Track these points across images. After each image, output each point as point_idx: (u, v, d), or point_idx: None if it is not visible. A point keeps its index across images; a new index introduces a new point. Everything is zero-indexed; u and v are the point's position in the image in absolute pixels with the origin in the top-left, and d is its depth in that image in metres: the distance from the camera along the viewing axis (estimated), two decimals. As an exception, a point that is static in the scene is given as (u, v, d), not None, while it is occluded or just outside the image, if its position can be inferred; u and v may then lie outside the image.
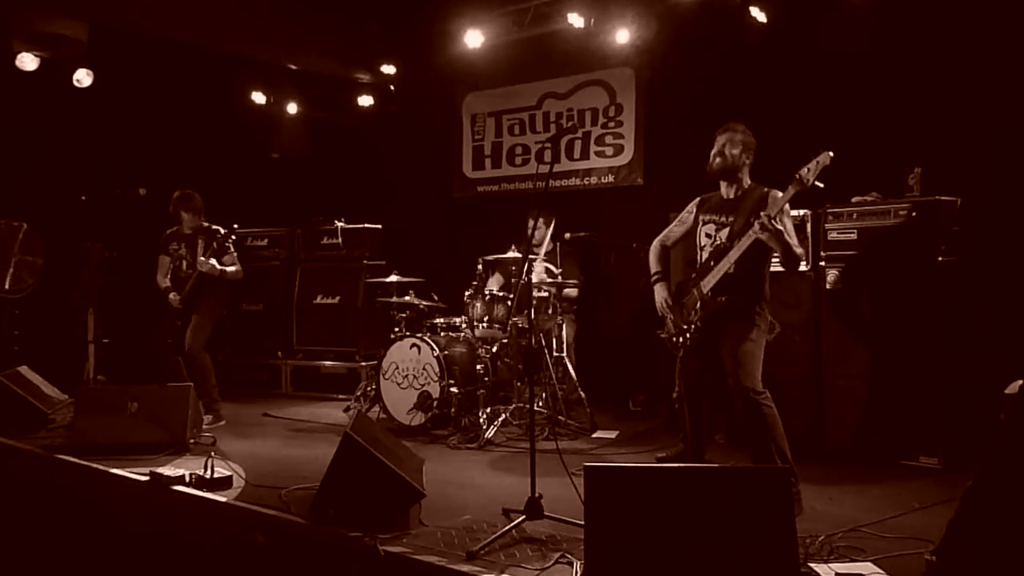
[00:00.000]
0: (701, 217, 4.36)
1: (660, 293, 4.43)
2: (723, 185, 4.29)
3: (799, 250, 4.05)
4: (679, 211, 4.51)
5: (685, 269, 4.64)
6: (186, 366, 6.07)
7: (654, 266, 4.53)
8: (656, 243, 4.58)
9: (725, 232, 4.17)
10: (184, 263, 6.22)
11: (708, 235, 4.27)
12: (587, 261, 6.75)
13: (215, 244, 6.07)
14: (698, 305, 4.18)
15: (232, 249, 6.25)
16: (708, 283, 4.13)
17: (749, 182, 4.25)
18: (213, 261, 6.05)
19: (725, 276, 4.07)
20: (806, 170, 3.81)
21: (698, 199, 4.48)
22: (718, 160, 4.21)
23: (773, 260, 4.19)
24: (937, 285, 4.57)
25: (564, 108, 7.44)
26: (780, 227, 3.89)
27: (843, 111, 5.53)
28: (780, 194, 4.03)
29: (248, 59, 7.72)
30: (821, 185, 3.82)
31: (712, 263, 4.15)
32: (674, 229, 4.53)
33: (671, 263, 4.61)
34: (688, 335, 4.23)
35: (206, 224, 6.27)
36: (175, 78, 7.78)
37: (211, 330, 6.25)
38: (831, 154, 3.79)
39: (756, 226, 3.89)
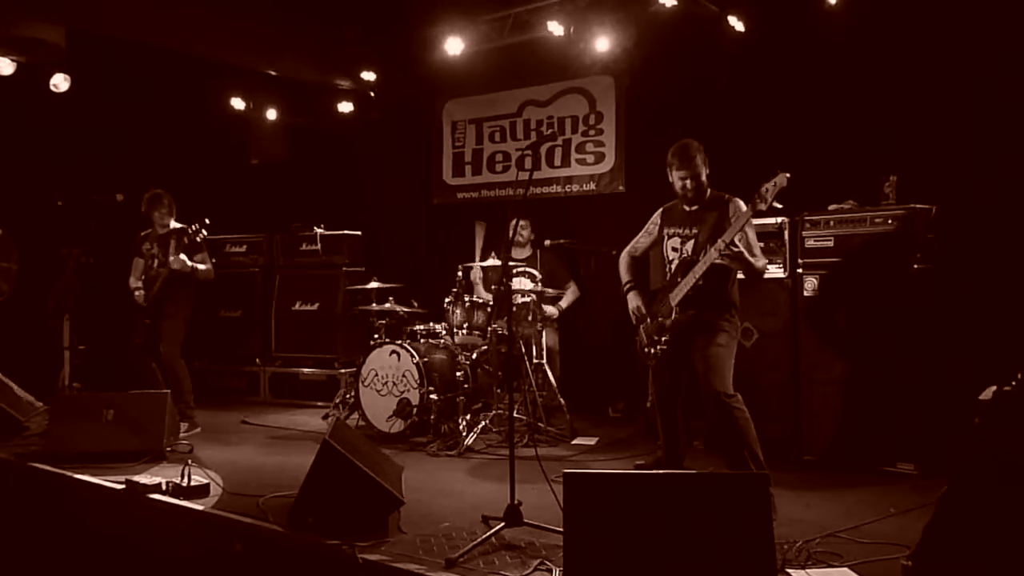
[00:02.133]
0: (666, 230, 4.46)
1: (632, 302, 4.52)
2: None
3: (760, 264, 4.15)
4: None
5: (662, 278, 4.69)
6: (161, 372, 6.03)
7: (624, 276, 4.64)
8: (624, 254, 4.70)
9: (690, 244, 4.27)
10: (156, 261, 6.18)
11: (674, 248, 4.37)
12: (568, 267, 6.76)
13: (185, 240, 6.03)
14: (668, 318, 4.26)
15: (204, 246, 6.22)
16: (676, 296, 4.22)
17: (709, 191, 4.33)
18: (183, 257, 6.01)
19: (692, 289, 4.15)
20: (764, 190, 3.85)
21: (661, 210, 4.57)
22: (692, 186, 4.25)
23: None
24: (912, 292, 4.62)
25: (544, 116, 7.46)
26: (738, 250, 3.98)
27: (820, 119, 5.59)
28: (742, 204, 4.12)
29: (227, 64, 7.67)
30: (779, 206, 3.87)
31: (679, 277, 4.23)
32: (640, 240, 4.66)
33: (651, 268, 4.66)
34: (659, 346, 4.31)
35: (178, 225, 6.24)
36: (153, 83, 7.73)
37: (184, 332, 6.21)
38: (788, 175, 3.82)
39: (713, 252, 4.00)
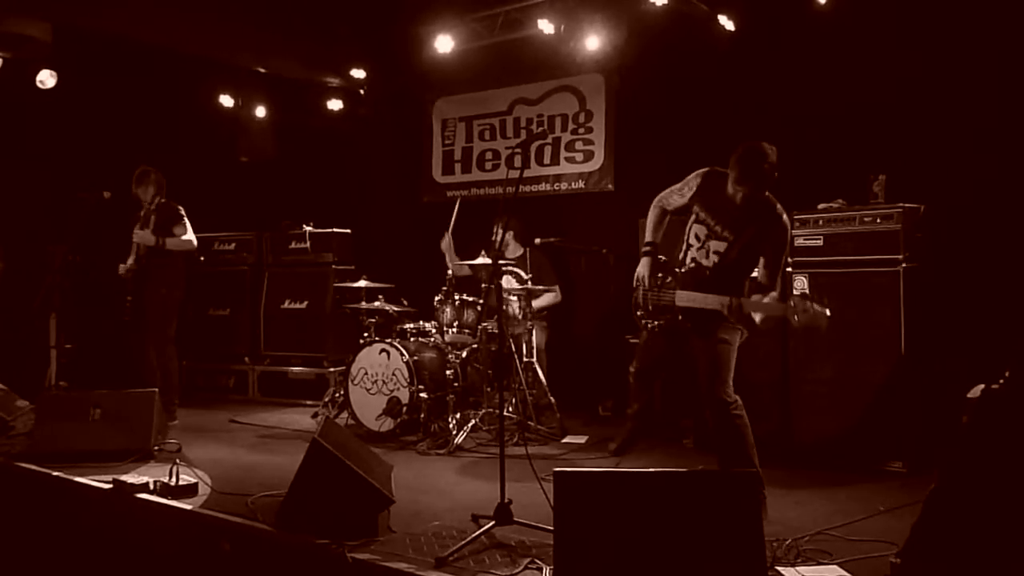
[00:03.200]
0: (696, 208, 4.02)
1: (643, 268, 4.13)
2: (733, 182, 3.84)
3: (761, 320, 3.81)
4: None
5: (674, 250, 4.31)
6: (151, 365, 6.01)
7: (649, 233, 4.20)
8: (657, 205, 4.22)
9: (718, 245, 3.93)
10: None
11: (698, 236, 4.01)
12: (556, 267, 6.76)
13: (149, 211, 6.06)
14: (667, 309, 4.06)
15: (178, 219, 6.20)
16: (682, 300, 3.97)
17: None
18: (146, 232, 6.02)
19: (697, 308, 3.92)
20: (794, 306, 3.58)
21: (705, 174, 4.04)
22: (740, 198, 3.84)
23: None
24: (901, 290, 4.64)
25: (534, 114, 7.46)
26: (748, 310, 3.76)
27: (810, 118, 5.60)
28: (784, 228, 3.82)
29: (216, 61, 7.64)
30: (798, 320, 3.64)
31: (692, 286, 3.95)
32: (674, 197, 4.15)
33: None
34: (653, 322, 4.12)
35: (164, 201, 6.24)
36: (141, 80, 7.68)
37: (174, 318, 6.21)
38: (828, 314, 3.59)
39: (722, 303, 3.76)
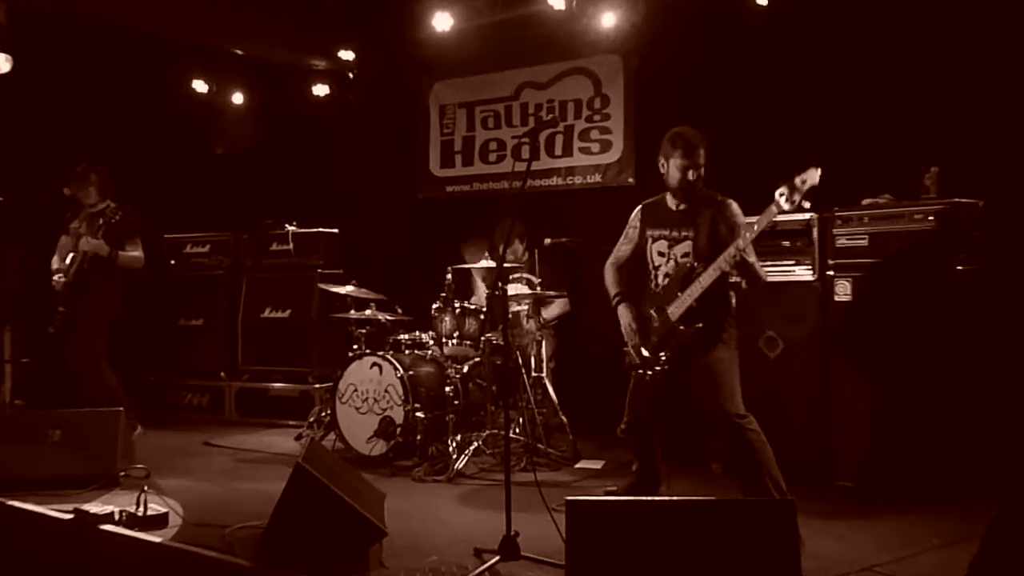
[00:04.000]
0: (649, 232, 4.44)
1: (625, 316, 4.47)
2: (669, 194, 4.37)
3: (764, 276, 4.16)
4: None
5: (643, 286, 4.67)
6: (82, 384, 6.01)
7: (612, 288, 4.62)
8: (609, 266, 4.69)
9: (682, 248, 4.26)
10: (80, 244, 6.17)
11: (661, 253, 4.36)
12: (568, 271, 6.76)
13: (101, 221, 6.03)
14: (667, 335, 4.22)
15: (134, 230, 6.20)
16: (676, 311, 4.19)
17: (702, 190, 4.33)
18: (99, 240, 6.00)
19: (696, 301, 4.12)
20: (785, 190, 3.79)
21: (640, 208, 4.58)
22: (694, 178, 4.25)
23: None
24: (957, 296, 4.63)
25: (544, 99, 7.48)
26: (752, 260, 4.02)
27: (852, 103, 5.60)
28: (735, 206, 4.20)
29: (187, 43, 7.68)
30: (808, 206, 3.82)
31: (677, 290, 4.20)
32: (623, 247, 4.65)
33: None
34: (660, 367, 4.27)
35: (112, 204, 6.22)
36: (104, 64, 7.74)
37: (104, 334, 6.19)
38: (819, 171, 3.77)
39: (723, 262, 3.97)
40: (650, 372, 4.31)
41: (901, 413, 4.75)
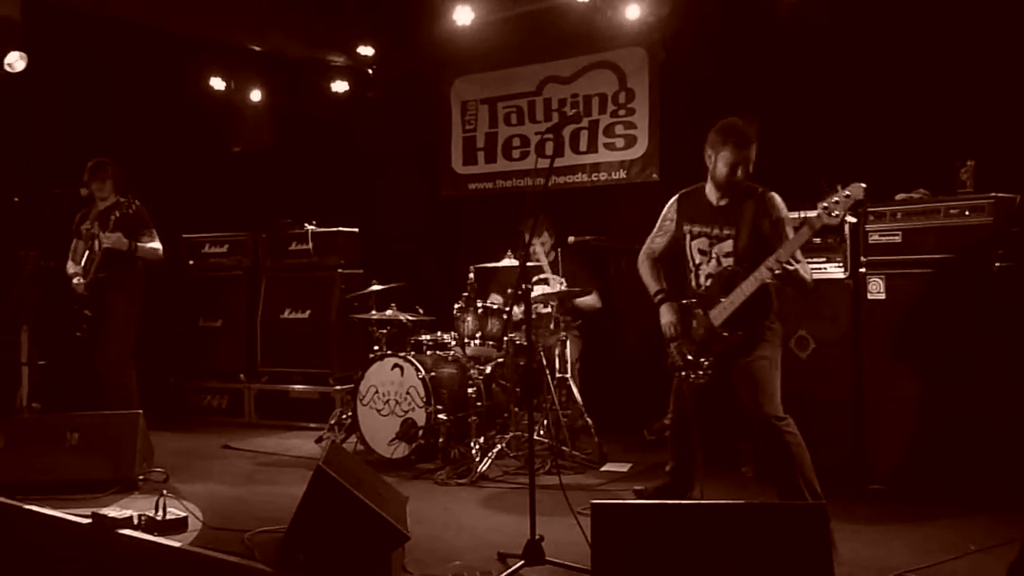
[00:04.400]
0: (687, 227, 4.38)
1: (668, 315, 4.43)
2: (711, 186, 4.29)
3: (811, 277, 4.08)
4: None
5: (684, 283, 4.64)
6: (108, 388, 6.04)
7: (653, 285, 4.57)
8: (643, 258, 4.64)
9: (724, 247, 4.21)
10: (96, 242, 6.18)
11: (702, 251, 4.31)
12: (595, 268, 6.76)
13: (117, 213, 6.03)
14: (709, 340, 4.20)
15: (148, 221, 6.21)
16: (719, 316, 4.15)
17: None
18: (119, 234, 6.01)
19: (738, 307, 4.08)
20: (826, 206, 3.73)
21: (676, 200, 4.50)
22: (743, 174, 4.15)
23: None
24: (995, 294, 4.59)
25: (568, 94, 7.47)
26: (794, 268, 3.94)
27: (886, 97, 5.56)
28: (778, 199, 4.13)
29: (204, 40, 7.73)
30: (853, 220, 3.79)
31: (719, 294, 4.16)
32: (656, 239, 4.59)
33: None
34: (703, 372, 4.24)
35: (123, 199, 6.23)
36: (121, 62, 7.79)
37: (133, 335, 6.22)
38: (864, 185, 3.70)
39: (765, 271, 3.93)
40: (692, 376, 4.28)
41: (936, 414, 4.71)
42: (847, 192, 3.72)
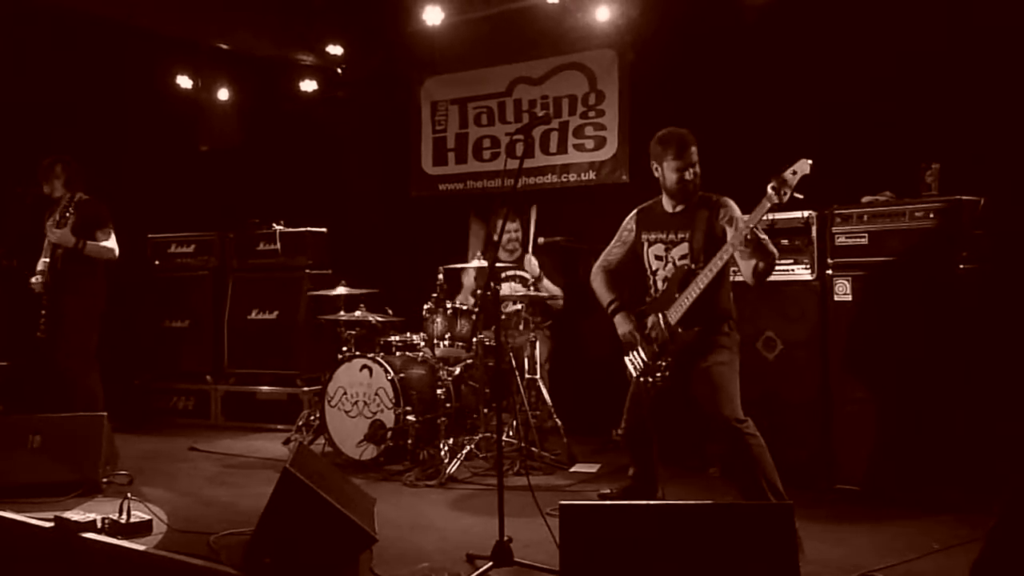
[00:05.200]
0: (644, 236, 4.46)
1: (624, 325, 4.47)
2: (666, 197, 4.40)
3: (775, 249, 4.11)
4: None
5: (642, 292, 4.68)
6: (65, 388, 5.97)
7: (606, 296, 4.61)
8: (597, 270, 4.70)
9: (680, 250, 4.28)
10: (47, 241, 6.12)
11: (658, 256, 4.37)
12: (564, 270, 6.78)
13: (78, 206, 5.98)
14: (667, 339, 4.24)
15: (103, 219, 6.14)
16: (675, 314, 4.19)
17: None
18: (66, 230, 5.94)
19: (694, 302, 4.13)
20: (776, 183, 3.78)
21: (635, 212, 4.58)
22: (691, 178, 4.26)
23: (732, 269, 4.30)
24: (958, 295, 4.65)
25: (538, 95, 7.49)
26: (764, 238, 3.98)
27: (852, 99, 5.61)
28: (732, 203, 4.19)
29: (172, 37, 7.67)
30: (800, 197, 3.83)
31: (676, 292, 4.21)
32: (614, 250, 4.65)
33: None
34: (661, 374, 4.28)
35: (81, 196, 6.15)
36: (85, 58, 7.70)
37: (94, 334, 6.15)
38: (810, 162, 3.77)
39: (734, 240, 3.95)
40: (651, 379, 4.32)
41: (902, 415, 4.77)
42: (794, 168, 3.77)
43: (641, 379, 4.37)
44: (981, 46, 5.24)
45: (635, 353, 4.40)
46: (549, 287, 6.47)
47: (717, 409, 4.08)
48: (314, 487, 3.63)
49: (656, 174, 4.35)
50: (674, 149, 4.24)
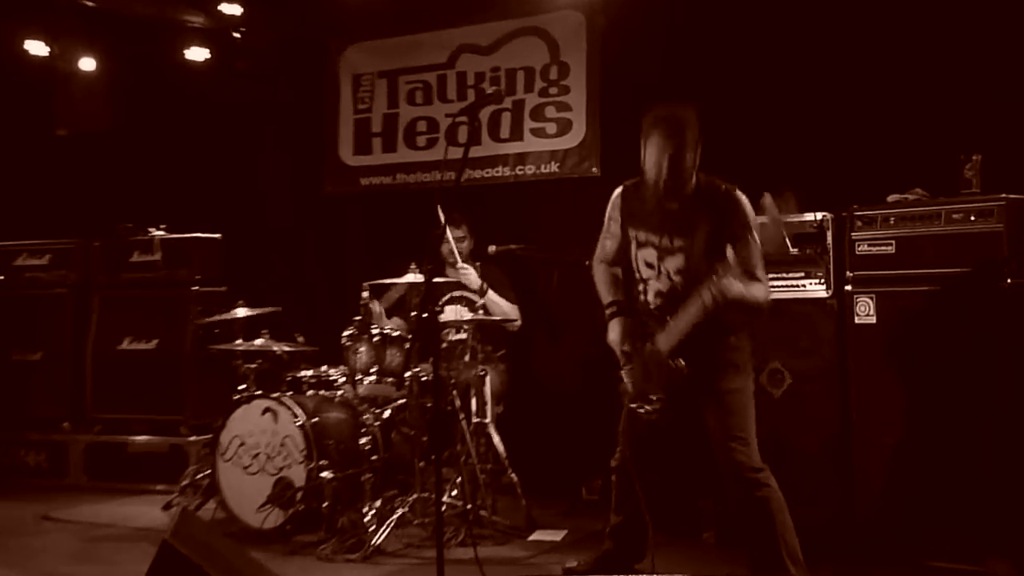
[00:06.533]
0: (632, 232, 4.46)
1: (617, 330, 4.48)
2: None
3: (761, 293, 4.13)
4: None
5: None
6: None
7: (607, 295, 4.65)
8: (598, 264, 4.75)
9: (674, 262, 4.28)
10: None
11: (649, 264, 4.38)
12: (517, 285, 6.79)
13: None
14: (655, 370, 4.26)
15: None
16: (667, 342, 4.20)
17: (697, 179, 4.26)
18: None
19: (689, 332, 4.15)
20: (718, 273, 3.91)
21: (619, 194, 4.56)
22: (678, 167, 4.16)
23: None
24: (1007, 315, 4.71)
25: (487, 67, 7.53)
26: (736, 293, 3.99)
27: (874, 79, 5.70)
28: (744, 202, 4.17)
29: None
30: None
31: (668, 315, 4.22)
32: (607, 243, 4.70)
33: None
34: (651, 407, 4.29)
35: None
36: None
37: None
38: (770, 196, 3.88)
39: (705, 298, 4.01)
40: (642, 410, 4.32)
41: (941, 464, 4.81)
42: (762, 219, 3.93)
43: (634, 405, 4.36)
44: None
45: (628, 373, 4.40)
46: (500, 304, 6.48)
47: (729, 453, 4.07)
48: (201, 564, 3.60)
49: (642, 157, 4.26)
50: (663, 126, 4.14)
